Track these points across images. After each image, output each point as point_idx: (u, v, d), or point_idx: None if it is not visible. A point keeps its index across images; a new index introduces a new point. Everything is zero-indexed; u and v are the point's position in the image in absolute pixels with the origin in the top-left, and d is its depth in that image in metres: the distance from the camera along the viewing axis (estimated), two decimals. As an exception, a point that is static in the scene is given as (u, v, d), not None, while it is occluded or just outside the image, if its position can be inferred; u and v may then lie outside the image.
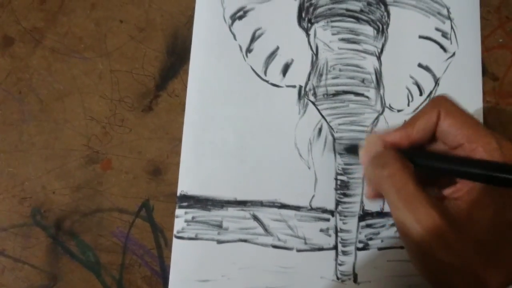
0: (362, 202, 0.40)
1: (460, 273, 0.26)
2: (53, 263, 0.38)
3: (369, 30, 0.42)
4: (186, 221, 0.38)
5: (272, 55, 0.41)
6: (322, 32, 0.41)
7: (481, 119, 0.42)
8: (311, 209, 0.39)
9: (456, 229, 0.26)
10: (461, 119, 0.29)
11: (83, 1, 0.41)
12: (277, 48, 0.41)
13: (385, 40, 0.42)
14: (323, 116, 0.40)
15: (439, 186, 0.31)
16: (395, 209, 0.28)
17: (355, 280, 0.39)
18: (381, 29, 0.42)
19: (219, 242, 0.38)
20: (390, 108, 0.41)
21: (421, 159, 0.29)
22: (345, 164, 0.40)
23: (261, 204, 0.39)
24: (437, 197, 0.30)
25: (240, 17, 0.42)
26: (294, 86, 0.41)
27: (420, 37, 0.42)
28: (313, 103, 0.41)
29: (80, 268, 0.38)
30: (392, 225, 0.40)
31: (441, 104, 0.30)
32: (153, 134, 0.40)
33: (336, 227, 0.39)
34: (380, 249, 0.39)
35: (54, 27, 0.41)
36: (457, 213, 0.28)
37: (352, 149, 0.37)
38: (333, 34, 0.41)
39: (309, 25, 0.42)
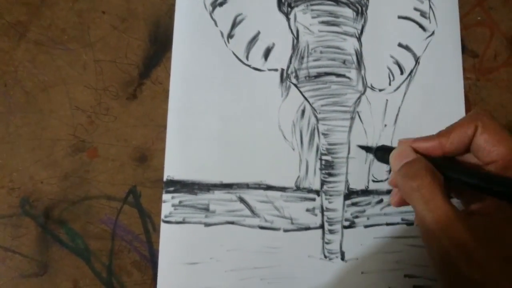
0: (347, 181, 0.40)
1: None
2: (43, 251, 0.38)
3: (348, 12, 0.42)
4: (173, 205, 0.39)
5: (254, 40, 0.42)
6: (302, 15, 0.42)
7: (462, 96, 0.42)
8: (297, 189, 0.40)
9: (483, 245, 0.26)
10: (497, 136, 0.29)
11: (65, -7, 0.42)
12: (258, 33, 0.42)
13: (365, 22, 0.42)
14: (305, 98, 0.41)
15: (468, 199, 0.31)
16: (422, 221, 0.28)
17: (342, 258, 0.39)
18: (361, 10, 0.42)
19: (207, 225, 0.39)
20: (372, 88, 0.42)
21: (452, 172, 0.29)
22: (329, 144, 0.40)
23: (247, 186, 0.40)
24: (465, 211, 0.30)
25: (221, 4, 0.42)
26: (276, 70, 0.41)
27: (399, 17, 0.43)
28: (295, 85, 0.41)
29: (70, 255, 0.38)
30: (378, 202, 0.40)
31: (479, 119, 0.29)
32: (138, 122, 0.40)
33: (322, 207, 0.40)
34: (366, 226, 0.40)
35: (37, 20, 0.42)
36: (485, 230, 0.27)
37: (381, 152, 0.36)
38: (313, 17, 0.42)
39: (289, 9, 0.42)
